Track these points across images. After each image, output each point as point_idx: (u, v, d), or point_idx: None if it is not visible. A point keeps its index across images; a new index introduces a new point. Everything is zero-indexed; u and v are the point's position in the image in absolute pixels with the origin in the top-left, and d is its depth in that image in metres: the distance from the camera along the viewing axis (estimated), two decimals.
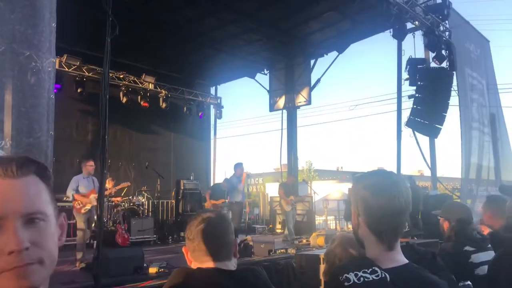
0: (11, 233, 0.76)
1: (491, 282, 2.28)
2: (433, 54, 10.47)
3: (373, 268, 1.24)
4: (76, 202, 7.23)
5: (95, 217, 7.47)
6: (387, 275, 1.22)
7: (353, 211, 1.37)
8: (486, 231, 2.92)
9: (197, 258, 1.59)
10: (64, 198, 7.54)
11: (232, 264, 1.61)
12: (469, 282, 2.43)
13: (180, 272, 1.55)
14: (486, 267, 2.52)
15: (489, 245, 2.75)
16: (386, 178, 1.34)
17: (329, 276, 1.34)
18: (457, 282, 2.36)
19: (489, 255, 2.61)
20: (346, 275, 1.22)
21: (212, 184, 11.05)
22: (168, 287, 1.51)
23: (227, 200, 9.76)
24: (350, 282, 1.21)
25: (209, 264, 1.56)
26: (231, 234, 1.64)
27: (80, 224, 7.19)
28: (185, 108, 13.45)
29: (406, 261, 1.32)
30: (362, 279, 1.21)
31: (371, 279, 1.21)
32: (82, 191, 7.42)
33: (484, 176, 11.96)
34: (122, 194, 10.02)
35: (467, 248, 2.70)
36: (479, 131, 11.79)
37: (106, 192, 8.40)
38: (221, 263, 1.58)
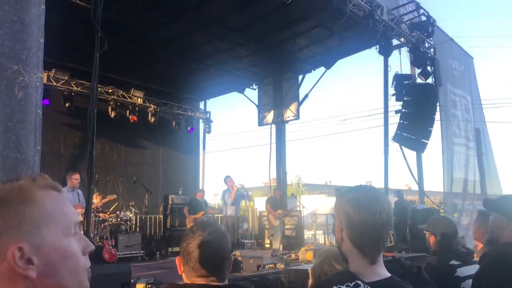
0: (83, 237, 0.87)
1: None
2: (419, 70, 10.66)
3: (356, 281, 1.26)
4: None
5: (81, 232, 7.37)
6: None
7: (336, 226, 1.40)
8: (479, 246, 2.94)
9: (189, 273, 1.58)
10: None
11: (224, 281, 1.60)
12: None
13: (169, 287, 1.55)
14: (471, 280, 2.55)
15: (474, 259, 2.78)
16: (368, 193, 1.37)
17: None
18: None
19: (475, 268, 2.63)
20: None
21: (189, 200, 11.00)
22: None
23: (208, 212, 9.85)
24: None
25: (200, 280, 1.55)
26: (228, 251, 1.63)
27: None
28: (174, 123, 13.43)
29: (389, 274, 1.34)
30: None
31: None
32: None
33: (470, 190, 12.11)
34: (111, 210, 9.91)
35: (453, 262, 2.73)
36: (465, 146, 11.98)
37: (93, 206, 8.31)
38: (213, 280, 1.57)
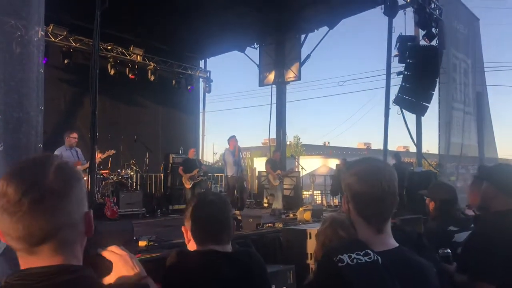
0: None
1: (462, 258, 2.38)
2: (424, 32, 10.47)
3: (366, 250, 1.29)
4: None
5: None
6: (379, 258, 1.28)
7: (343, 198, 1.43)
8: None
9: (196, 239, 1.63)
10: None
11: (229, 247, 1.66)
12: (448, 250, 2.53)
13: (178, 254, 1.59)
14: None
15: (472, 225, 2.84)
16: (370, 165, 1.40)
17: (323, 256, 1.39)
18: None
19: None
20: (340, 256, 1.27)
21: (182, 160, 11.07)
22: (167, 270, 1.54)
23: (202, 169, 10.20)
24: (344, 263, 1.26)
25: (207, 246, 1.60)
26: (231, 217, 1.68)
27: None
28: (173, 81, 13.31)
29: (396, 244, 1.38)
30: (355, 260, 1.26)
31: (363, 261, 1.26)
32: None
33: (467, 154, 12.20)
34: (109, 167, 9.96)
35: (451, 227, 2.79)
36: (462, 111, 11.95)
37: None
38: (219, 246, 1.62)
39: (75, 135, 7.84)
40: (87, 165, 8.08)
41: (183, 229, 1.69)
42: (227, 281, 1.52)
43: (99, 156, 8.84)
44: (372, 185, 1.34)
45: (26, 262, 0.96)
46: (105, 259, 1.10)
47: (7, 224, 0.92)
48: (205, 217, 1.61)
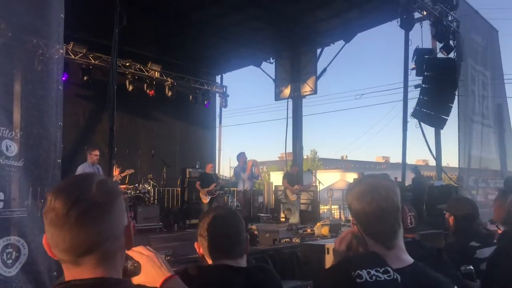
0: None
1: (487, 275, 2.31)
2: (441, 45, 10.38)
3: (386, 268, 1.26)
4: None
5: None
6: (398, 276, 1.24)
7: (351, 220, 1.45)
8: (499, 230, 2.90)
9: (209, 255, 1.62)
10: None
11: (243, 261, 1.64)
12: (470, 266, 2.46)
13: (191, 269, 1.58)
14: None
15: (495, 241, 2.76)
16: (365, 183, 1.40)
17: (339, 268, 1.35)
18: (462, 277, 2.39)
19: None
20: (358, 271, 1.24)
21: (199, 174, 11.14)
22: None
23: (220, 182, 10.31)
24: (362, 280, 1.22)
25: (221, 261, 1.59)
26: (243, 231, 1.67)
27: None
28: (190, 97, 13.44)
29: (411, 260, 1.35)
30: (374, 277, 1.23)
31: (383, 279, 1.23)
32: None
33: (487, 166, 11.93)
34: (126, 182, 10.07)
35: (473, 243, 2.72)
36: (481, 124, 11.74)
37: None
38: (233, 261, 1.60)
39: (97, 152, 8.00)
40: None
41: (195, 245, 1.68)
42: None
43: (117, 173, 8.96)
44: (368, 203, 1.35)
45: (71, 273, 1.02)
46: (133, 259, 1.19)
47: (56, 237, 0.99)
48: (216, 234, 1.61)
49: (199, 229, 1.66)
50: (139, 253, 1.23)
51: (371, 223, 1.35)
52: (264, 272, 1.64)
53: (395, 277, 1.24)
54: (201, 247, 1.65)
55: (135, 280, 1.17)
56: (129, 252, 1.19)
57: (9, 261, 2.89)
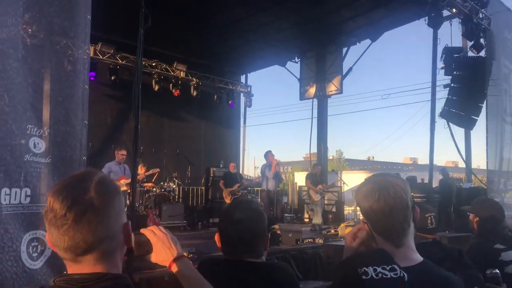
0: None
1: None
2: (471, 43, 10.12)
3: (393, 265, 1.25)
4: None
5: (127, 201, 7.74)
6: (405, 274, 1.24)
7: (362, 219, 1.45)
8: None
9: (227, 250, 1.64)
10: None
11: (260, 257, 1.65)
12: (496, 270, 2.40)
13: (207, 261, 1.62)
14: None
15: None
16: (375, 182, 1.40)
17: (346, 265, 1.37)
18: (484, 276, 2.34)
19: None
20: (365, 268, 1.24)
21: (223, 174, 11.23)
22: None
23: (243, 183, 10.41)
24: (368, 277, 1.23)
25: (237, 256, 1.61)
26: (264, 228, 1.68)
27: None
28: (215, 96, 13.55)
29: (421, 259, 1.34)
30: (380, 275, 1.23)
31: (389, 276, 1.23)
32: (113, 177, 7.67)
33: None
34: (153, 180, 10.26)
35: (498, 246, 2.66)
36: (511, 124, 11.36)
37: (138, 177, 8.66)
38: (250, 256, 1.62)
39: (123, 152, 8.21)
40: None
41: (215, 238, 1.72)
42: None
43: (143, 172, 9.14)
44: (375, 201, 1.35)
45: (72, 270, 1.07)
46: (146, 238, 1.29)
47: (55, 236, 1.04)
48: (231, 236, 1.63)
49: (219, 226, 1.68)
50: (151, 232, 1.32)
51: (379, 221, 1.35)
52: (279, 269, 1.65)
53: (401, 275, 1.23)
54: (219, 241, 1.68)
55: (148, 258, 1.27)
56: (143, 231, 1.29)
57: (35, 254, 3.01)
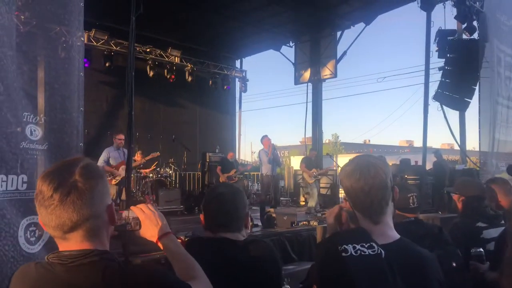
0: None
1: (495, 255, 2.37)
2: (464, 25, 10.16)
3: (371, 243, 1.34)
4: (107, 174, 7.55)
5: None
6: (382, 251, 1.32)
7: (343, 196, 1.54)
8: None
9: (210, 228, 1.75)
10: None
11: (242, 235, 1.76)
12: (481, 249, 2.51)
13: (192, 240, 1.72)
14: None
15: (502, 222, 2.81)
16: (357, 161, 1.49)
17: (328, 242, 1.45)
18: (467, 254, 2.45)
19: (500, 231, 2.68)
20: (345, 246, 1.33)
21: (220, 159, 11.35)
22: None
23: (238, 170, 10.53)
24: (348, 254, 1.31)
25: (219, 234, 1.72)
26: (243, 208, 1.79)
27: (111, 195, 7.53)
28: (210, 82, 13.58)
29: (397, 236, 1.43)
30: (359, 252, 1.31)
31: (367, 253, 1.31)
32: (112, 163, 7.75)
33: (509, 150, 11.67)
34: (153, 167, 10.31)
35: (480, 224, 2.77)
36: (506, 107, 11.45)
37: (135, 164, 8.72)
38: (231, 234, 1.73)
39: (121, 136, 8.26)
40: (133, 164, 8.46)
41: (200, 217, 1.83)
42: (234, 267, 1.63)
43: (141, 157, 9.18)
44: (356, 180, 1.43)
45: (62, 246, 1.20)
46: (135, 215, 1.42)
47: (44, 216, 1.17)
48: (214, 209, 1.75)
49: (203, 204, 1.80)
50: (140, 210, 1.44)
51: (359, 199, 1.44)
52: (260, 245, 1.75)
53: (379, 252, 1.32)
54: (203, 220, 1.79)
55: (137, 233, 1.40)
56: (133, 208, 1.42)
57: (32, 239, 3.11)
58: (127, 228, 1.41)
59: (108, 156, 7.94)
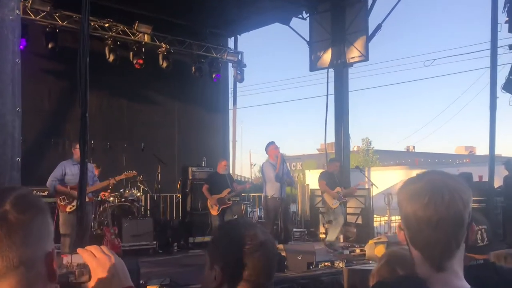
0: None
1: None
2: None
3: None
4: (60, 197, 7.50)
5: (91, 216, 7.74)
6: None
7: (398, 223, 1.51)
8: None
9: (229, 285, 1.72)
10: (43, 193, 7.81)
11: None
12: None
13: None
14: None
15: None
16: (428, 180, 1.45)
17: None
18: None
19: None
20: None
21: (208, 175, 11.15)
22: None
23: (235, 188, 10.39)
24: None
25: None
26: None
27: (65, 227, 7.45)
28: (193, 68, 13.60)
29: (467, 287, 1.42)
30: None
31: None
32: (70, 181, 7.67)
33: None
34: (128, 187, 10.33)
35: None
36: None
37: (100, 186, 8.57)
38: None
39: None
40: (99, 185, 8.39)
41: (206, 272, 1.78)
42: None
43: (112, 179, 8.91)
44: (423, 206, 1.39)
45: None
46: (83, 263, 1.35)
47: None
48: (261, 261, 1.70)
49: (231, 252, 1.72)
50: (89, 254, 1.36)
51: (422, 233, 1.40)
52: None
53: None
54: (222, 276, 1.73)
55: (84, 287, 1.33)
56: (79, 251, 1.36)
57: None
58: (70, 279, 1.34)
59: (63, 172, 7.86)
